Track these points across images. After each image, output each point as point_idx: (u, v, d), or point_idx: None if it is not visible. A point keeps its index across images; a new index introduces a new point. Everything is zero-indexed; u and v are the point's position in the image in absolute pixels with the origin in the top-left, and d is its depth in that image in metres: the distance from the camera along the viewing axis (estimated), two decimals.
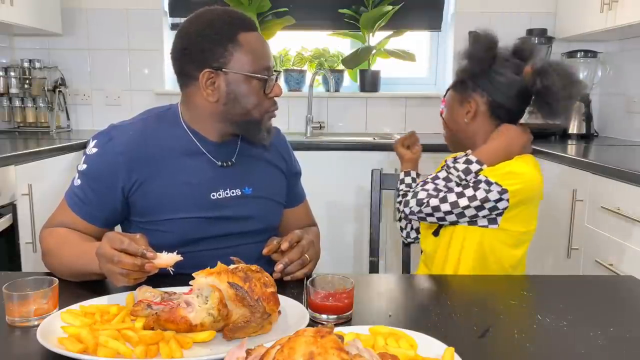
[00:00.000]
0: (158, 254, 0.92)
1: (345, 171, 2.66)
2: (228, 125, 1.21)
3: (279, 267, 1.11)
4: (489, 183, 1.31)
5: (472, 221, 1.35)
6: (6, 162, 2.04)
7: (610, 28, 2.54)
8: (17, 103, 3.05)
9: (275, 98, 1.22)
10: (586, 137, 2.97)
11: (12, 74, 3.01)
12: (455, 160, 1.38)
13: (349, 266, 2.77)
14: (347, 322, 0.92)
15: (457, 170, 1.35)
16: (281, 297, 0.92)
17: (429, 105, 3.19)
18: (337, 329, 0.78)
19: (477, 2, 3.16)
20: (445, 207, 1.33)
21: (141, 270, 0.92)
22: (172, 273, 0.94)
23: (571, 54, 3.03)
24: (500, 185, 1.30)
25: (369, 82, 3.24)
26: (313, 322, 0.90)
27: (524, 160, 1.38)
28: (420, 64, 3.38)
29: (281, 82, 3.32)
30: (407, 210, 1.38)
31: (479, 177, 1.33)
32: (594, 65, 3.04)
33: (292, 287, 1.07)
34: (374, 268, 1.63)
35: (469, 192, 1.32)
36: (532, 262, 2.53)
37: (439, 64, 3.40)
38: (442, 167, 1.43)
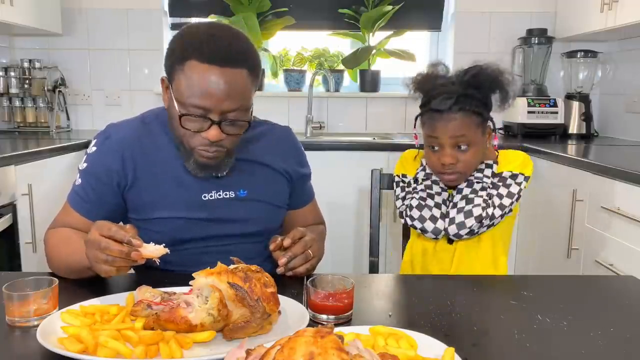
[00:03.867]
0: (145, 244, 0.93)
1: (345, 171, 2.66)
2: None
3: (282, 260, 1.11)
4: (514, 176, 1.37)
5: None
6: (6, 162, 2.04)
7: (610, 28, 2.54)
8: (17, 103, 3.05)
9: (216, 138, 1.10)
10: (586, 137, 2.98)
11: (12, 74, 3.01)
12: (477, 171, 1.38)
13: (349, 266, 2.77)
14: (347, 322, 0.92)
15: (488, 177, 1.38)
16: (281, 297, 0.92)
17: None
18: (337, 329, 0.78)
19: (477, 2, 3.16)
20: (498, 212, 1.33)
21: (127, 258, 0.92)
22: (157, 264, 0.95)
23: (571, 54, 3.03)
24: (523, 174, 1.37)
25: (369, 82, 3.24)
26: (313, 322, 0.90)
27: (505, 151, 1.46)
28: (420, 64, 3.37)
29: (281, 81, 3.32)
30: (463, 232, 1.33)
31: (502, 175, 1.38)
32: (594, 65, 3.04)
33: (292, 287, 1.06)
34: (374, 268, 1.63)
35: (504, 190, 1.35)
36: (532, 262, 2.54)
37: None
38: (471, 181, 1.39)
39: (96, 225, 0.96)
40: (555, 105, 2.92)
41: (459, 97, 1.32)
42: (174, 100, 1.10)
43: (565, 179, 2.20)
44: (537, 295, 1.06)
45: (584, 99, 3.00)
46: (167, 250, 0.93)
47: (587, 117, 2.97)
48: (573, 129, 2.99)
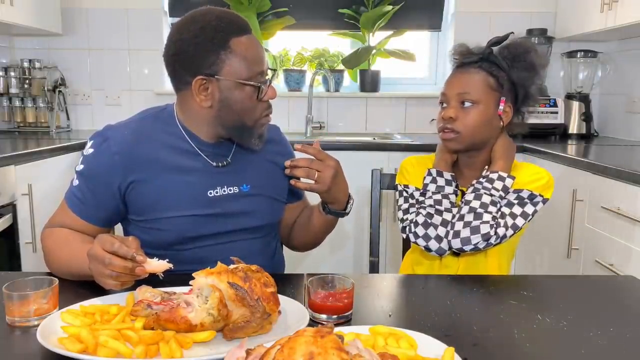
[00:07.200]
0: (148, 259, 0.93)
1: (345, 171, 2.64)
2: (221, 129, 1.21)
3: (287, 162, 1.19)
4: (532, 196, 1.30)
5: None
6: (6, 162, 2.04)
7: (610, 28, 2.54)
8: (17, 103, 3.05)
9: (270, 100, 1.22)
10: (586, 137, 2.98)
11: (12, 74, 3.01)
12: (486, 180, 1.31)
13: (349, 266, 2.77)
14: (347, 322, 0.92)
15: (498, 190, 1.30)
16: (281, 297, 0.92)
17: (429, 105, 3.18)
18: (337, 329, 0.78)
19: (477, 2, 3.16)
20: (510, 232, 1.28)
21: (131, 274, 0.92)
22: (160, 278, 0.95)
23: (571, 54, 3.03)
24: (542, 196, 1.30)
25: (369, 82, 3.24)
26: (313, 322, 0.90)
27: (531, 165, 1.38)
28: (420, 64, 3.38)
29: (281, 81, 3.32)
30: (467, 248, 1.26)
31: (521, 193, 1.30)
32: (594, 65, 3.04)
33: (292, 287, 1.07)
34: (374, 268, 1.63)
35: (518, 209, 1.29)
36: (532, 262, 2.54)
37: (439, 64, 3.40)
38: (469, 190, 1.32)
39: (99, 240, 0.95)
40: (555, 105, 2.92)
41: (481, 58, 1.32)
42: (234, 83, 1.15)
43: (565, 179, 2.20)
44: (537, 295, 1.06)
45: (584, 99, 3.00)
46: (170, 266, 0.93)
47: (587, 117, 2.98)
48: (573, 129, 2.99)
